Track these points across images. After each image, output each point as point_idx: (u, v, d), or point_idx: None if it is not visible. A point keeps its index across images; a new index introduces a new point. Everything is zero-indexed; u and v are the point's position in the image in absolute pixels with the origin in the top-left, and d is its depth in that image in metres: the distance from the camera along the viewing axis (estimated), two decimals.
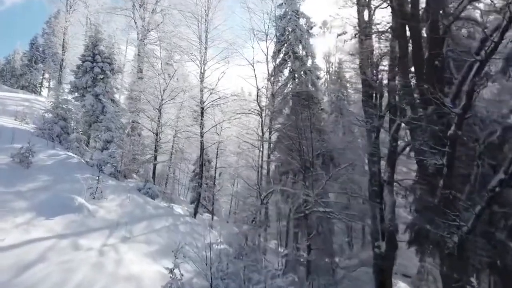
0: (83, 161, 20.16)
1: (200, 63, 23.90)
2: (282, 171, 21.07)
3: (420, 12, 15.49)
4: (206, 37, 23.95)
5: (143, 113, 27.23)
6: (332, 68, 31.71)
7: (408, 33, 15.78)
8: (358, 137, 23.21)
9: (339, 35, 21.70)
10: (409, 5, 15.49)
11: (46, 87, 67.32)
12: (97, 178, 15.84)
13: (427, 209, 17.23)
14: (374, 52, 19.98)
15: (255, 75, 23.70)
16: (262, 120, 22.99)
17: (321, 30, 27.28)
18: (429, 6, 15.07)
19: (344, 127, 26.01)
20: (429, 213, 17.28)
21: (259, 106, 23.32)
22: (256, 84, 23.70)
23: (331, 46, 35.88)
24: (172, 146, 27.41)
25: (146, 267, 11.45)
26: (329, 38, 37.33)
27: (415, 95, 15.89)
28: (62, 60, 36.36)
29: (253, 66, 23.81)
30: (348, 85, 27.37)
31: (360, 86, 21.05)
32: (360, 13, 19.85)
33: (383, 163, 18.13)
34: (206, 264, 11.64)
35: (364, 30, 19.40)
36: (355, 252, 17.95)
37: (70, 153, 19.90)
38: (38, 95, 57.80)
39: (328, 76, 30.68)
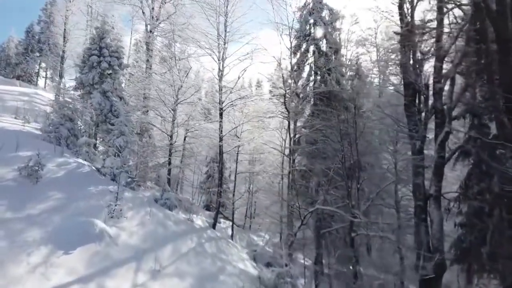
0: (94, 168, 18.31)
1: (218, 59, 21.92)
2: (316, 182, 19.18)
3: None
4: (225, 30, 21.92)
5: (153, 112, 25.35)
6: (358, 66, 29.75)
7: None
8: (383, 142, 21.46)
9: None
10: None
11: (43, 77, 64.89)
12: (113, 192, 14.09)
13: (476, 224, 15.76)
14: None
15: (282, 75, 21.66)
16: (290, 124, 21.04)
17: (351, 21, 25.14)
18: None
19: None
20: (480, 229, 15.81)
21: (286, 108, 21.34)
22: (283, 83, 21.67)
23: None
24: (183, 147, 25.49)
25: None
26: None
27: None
28: (63, 51, 34.05)
29: (280, 64, 21.80)
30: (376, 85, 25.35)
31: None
32: (401, 6, 17.97)
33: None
34: None
35: (407, 25, 17.51)
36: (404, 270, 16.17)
37: (80, 160, 18.03)
38: (35, 86, 55.58)
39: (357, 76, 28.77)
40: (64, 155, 17.48)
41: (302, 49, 25.13)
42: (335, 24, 25.90)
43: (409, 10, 17.74)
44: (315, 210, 16.43)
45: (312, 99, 24.40)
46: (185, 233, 16.10)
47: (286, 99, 21.66)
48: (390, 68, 28.73)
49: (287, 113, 21.14)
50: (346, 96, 23.53)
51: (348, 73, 27.30)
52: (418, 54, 17.68)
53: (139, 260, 11.42)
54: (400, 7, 17.83)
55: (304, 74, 25.40)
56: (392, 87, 17.79)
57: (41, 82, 64.93)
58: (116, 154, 18.21)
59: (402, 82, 18.09)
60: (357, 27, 31.26)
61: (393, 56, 19.73)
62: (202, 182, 28.96)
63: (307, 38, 24.90)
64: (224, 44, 22.03)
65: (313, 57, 24.46)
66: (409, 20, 17.67)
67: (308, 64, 24.98)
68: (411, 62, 17.58)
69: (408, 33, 17.26)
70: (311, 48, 25.32)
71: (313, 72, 24.82)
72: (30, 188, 12.99)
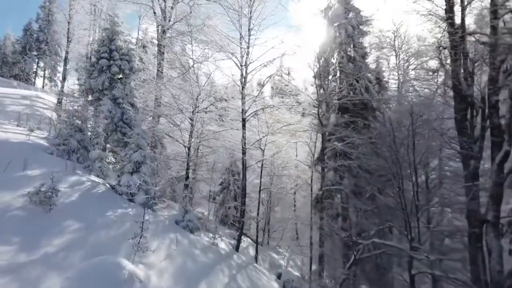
0: (108, 186, 16.53)
1: (241, 65, 20.12)
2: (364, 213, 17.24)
3: None
4: (249, 34, 20.11)
5: (166, 120, 23.52)
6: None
7: None
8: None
9: None
10: None
11: (41, 77, 62.71)
12: (133, 216, 12.41)
13: None
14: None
15: (316, 83, 19.79)
16: (323, 137, 19.22)
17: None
18: None
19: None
20: None
21: (320, 121, 19.49)
22: (317, 93, 19.82)
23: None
24: (201, 158, 23.65)
25: None
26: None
27: None
28: (67, 52, 32.02)
29: (314, 72, 19.91)
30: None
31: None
32: (449, 9, 16.27)
33: None
34: None
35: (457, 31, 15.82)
36: None
37: (93, 177, 16.23)
38: (33, 86, 53.51)
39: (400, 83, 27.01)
40: (76, 172, 15.67)
41: (327, 54, 23.37)
42: (363, 27, 24.21)
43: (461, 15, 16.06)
44: (369, 243, 14.57)
45: (337, 109, 22.67)
46: (214, 264, 14.36)
47: (321, 109, 19.78)
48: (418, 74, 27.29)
49: (320, 125, 19.26)
50: (375, 105, 21.89)
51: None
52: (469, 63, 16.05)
53: None
54: (450, 9, 16.12)
55: (328, 82, 23.59)
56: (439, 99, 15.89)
57: (39, 81, 62.88)
58: (134, 171, 16.42)
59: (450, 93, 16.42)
60: (377, 29, 29.76)
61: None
62: (216, 193, 27.13)
63: (333, 43, 23.14)
64: (247, 48, 20.25)
65: (338, 63, 22.64)
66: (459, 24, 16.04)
67: (333, 69, 23.20)
68: (462, 71, 15.91)
69: (460, 39, 15.59)
70: (335, 53, 23.59)
71: (338, 78, 23.08)
72: (43, 218, 11.19)
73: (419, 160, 13.13)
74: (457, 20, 16.27)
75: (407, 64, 32.67)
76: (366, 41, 25.21)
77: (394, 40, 33.10)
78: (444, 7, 16.70)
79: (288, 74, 48.10)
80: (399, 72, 33.24)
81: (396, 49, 33.28)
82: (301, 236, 28.25)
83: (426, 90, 25.07)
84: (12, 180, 12.53)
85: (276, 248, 25.79)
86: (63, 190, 13.11)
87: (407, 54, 32.41)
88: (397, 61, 33.84)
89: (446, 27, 16.68)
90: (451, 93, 17.44)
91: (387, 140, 15.37)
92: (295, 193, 27.86)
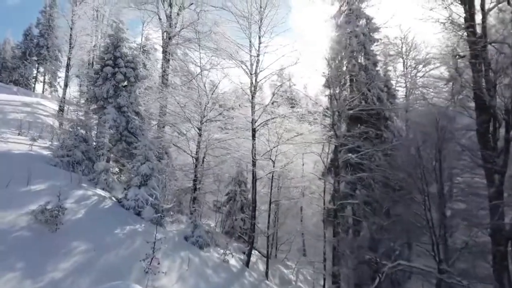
0: (114, 199, 15.84)
1: (251, 73, 19.49)
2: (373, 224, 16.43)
3: None
4: (259, 41, 19.50)
5: (171, 129, 22.86)
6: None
7: None
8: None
9: None
10: None
11: (41, 82, 61.98)
12: (142, 232, 11.69)
13: None
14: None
15: (330, 93, 19.08)
16: (337, 149, 18.50)
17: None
18: None
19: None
20: None
21: (334, 132, 18.78)
22: (330, 102, 19.13)
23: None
24: (202, 165, 22.79)
25: None
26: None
27: None
28: (69, 58, 31.35)
29: (329, 81, 19.22)
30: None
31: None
32: (470, 17, 15.68)
33: None
34: None
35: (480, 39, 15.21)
36: None
37: (99, 191, 15.52)
38: (33, 92, 52.82)
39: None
40: (82, 185, 14.97)
41: (337, 62, 22.73)
42: (373, 34, 23.65)
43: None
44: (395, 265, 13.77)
45: (347, 118, 21.98)
46: (227, 284, 13.68)
47: (334, 120, 19.05)
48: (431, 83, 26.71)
49: (334, 136, 18.55)
50: (388, 115, 21.28)
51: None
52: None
53: None
54: (471, 18, 15.53)
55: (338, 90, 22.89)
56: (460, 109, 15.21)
57: (38, 87, 62.18)
58: (141, 184, 15.73)
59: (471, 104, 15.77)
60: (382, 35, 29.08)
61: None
62: (222, 203, 26.39)
63: (341, 51, 22.50)
64: (257, 56, 19.62)
65: (350, 71, 22.00)
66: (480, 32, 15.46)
67: (343, 78, 22.51)
68: (484, 82, 15.29)
69: (482, 48, 14.98)
70: (345, 61, 22.96)
71: (349, 87, 22.43)
72: (49, 238, 10.49)
73: (445, 175, 12.43)
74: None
75: (415, 71, 32.07)
76: (376, 48, 24.63)
77: (402, 47, 32.56)
78: (464, 15, 16.20)
79: (289, 80, 47.47)
80: (407, 80, 32.63)
81: (403, 56, 32.70)
82: (308, 248, 27.55)
83: (434, 99, 24.54)
84: (15, 196, 11.86)
85: (284, 261, 25.03)
86: (69, 206, 12.41)
87: (416, 61, 31.77)
88: (405, 68, 33.23)
89: (466, 35, 16.16)
90: (466, 101, 16.94)
91: (407, 152, 14.73)
92: (301, 207, 27.18)
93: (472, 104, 15.92)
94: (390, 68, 32.23)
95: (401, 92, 33.16)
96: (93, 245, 11.04)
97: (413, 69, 32.59)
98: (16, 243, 9.65)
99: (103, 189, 16.16)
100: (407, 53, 32.62)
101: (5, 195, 11.63)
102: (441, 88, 24.96)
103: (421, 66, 31.69)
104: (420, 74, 31.99)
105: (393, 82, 31.81)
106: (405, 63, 33.11)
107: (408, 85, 31.84)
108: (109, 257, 10.97)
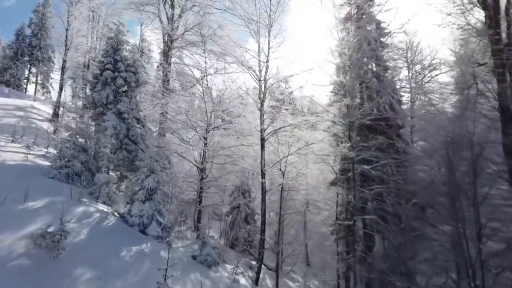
0: (117, 215, 14.80)
1: (259, 79, 18.55)
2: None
3: None
4: (268, 46, 18.58)
5: (173, 137, 21.82)
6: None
7: None
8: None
9: None
10: None
11: (33, 83, 60.37)
12: (150, 254, 10.69)
13: None
14: None
15: (345, 102, 18.08)
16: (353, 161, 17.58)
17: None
18: None
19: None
20: None
21: (350, 142, 17.83)
22: (348, 111, 18.18)
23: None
24: (206, 175, 21.76)
25: None
26: None
27: None
28: (64, 61, 30.12)
29: (345, 91, 18.28)
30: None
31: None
32: (496, 24, 14.88)
33: None
34: None
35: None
36: None
37: (101, 206, 14.47)
38: (25, 94, 51.42)
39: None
40: (82, 200, 13.89)
41: (347, 68, 21.81)
42: (384, 40, 22.83)
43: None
44: None
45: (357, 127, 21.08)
46: None
47: (350, 130, 18.11)
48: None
49: (351, 147, 17.60)
50: (401, 123, 20.45)
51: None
52: None
53: None
54: (496, 24, 14.72)
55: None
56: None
57: (30, 88, 60.60)
58: (146, 199, 14.69)
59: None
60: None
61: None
62: (226, 213, 25.38)
63: (354, 56, 21.57)
64: (266, 62, 18.70)
65: (361, 78, 21.12)
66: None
67: (356, 85, 21.56)
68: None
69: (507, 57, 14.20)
70: (356, 67, 22.05)
71: (359, 94, 21.57)
72: (50, 266, 9.45)
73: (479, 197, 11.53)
74: None
75: (421, 77, 31.33)
76: (386, 54, 23.83)
77: (407, 51, 31.83)
78: (485, 20, 15.43)
79: (286, 82, 46.52)
80: (412, 85, 31.87)
81: (408, 61, 31.95)
82: (313, 259, 26.72)
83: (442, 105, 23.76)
84: (12, 216, 10.79)
85: (290, 273, 24.09)
86: (71, 227, 11.34)
87: (422, 67, 31.01)
88: (410, 73, 32.48)
89: (488, 43, 15.41)
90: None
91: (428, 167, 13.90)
92: (305, 220, 26.30)
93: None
94: (395, 74, 31.50)
95: (405, 98, 32.47)
96: (98, 272, 10.02)
97: (418, 74, 31.91)
98: (13, 273, 8.59)
99: (104, 203, 15.10)
100: (413, 58, 31.94)
101: (1, 214, 10.56)
102: (448, 94, 24.22)
103: (427, 71, 31.04)
104: (426, 79, 31.36)
105: (397, 87, 31.11)
106: (410, 67, 32.42)
107: (412, 90, 31.13)
108: (117, 285, 9.95)
